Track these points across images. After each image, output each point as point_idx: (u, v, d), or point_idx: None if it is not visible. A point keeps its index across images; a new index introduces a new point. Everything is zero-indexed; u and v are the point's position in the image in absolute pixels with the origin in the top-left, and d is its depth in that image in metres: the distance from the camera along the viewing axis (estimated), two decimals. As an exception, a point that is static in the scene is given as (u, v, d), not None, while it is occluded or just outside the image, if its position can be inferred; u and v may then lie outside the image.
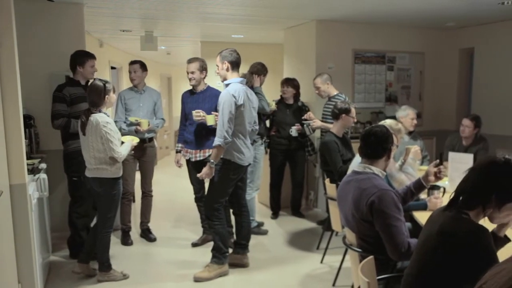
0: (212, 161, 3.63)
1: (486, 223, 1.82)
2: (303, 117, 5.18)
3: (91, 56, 4.15)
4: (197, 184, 4.51)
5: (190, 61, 4.31)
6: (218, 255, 3.87)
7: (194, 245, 4.64)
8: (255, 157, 4.92)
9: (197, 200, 4.62)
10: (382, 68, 6.32)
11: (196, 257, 4.31)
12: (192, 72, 4.28)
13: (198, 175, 3.75)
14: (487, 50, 6.19)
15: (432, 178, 2.89)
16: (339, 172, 4.15)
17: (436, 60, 6.70)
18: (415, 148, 3.80)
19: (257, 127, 4.04)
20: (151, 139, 4.74)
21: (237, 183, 3.89)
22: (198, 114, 4.14)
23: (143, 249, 4.61)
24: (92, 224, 3.98)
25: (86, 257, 3.79)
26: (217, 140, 3.56)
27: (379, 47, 6.26)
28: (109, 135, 3.45)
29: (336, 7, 5.02)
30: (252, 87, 4.65)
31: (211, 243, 3.96)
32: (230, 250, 4.07)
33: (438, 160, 3.85)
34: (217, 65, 3.77)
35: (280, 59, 6.99)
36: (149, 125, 4.47)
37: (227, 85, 3.73)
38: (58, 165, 4.28)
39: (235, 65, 3.74)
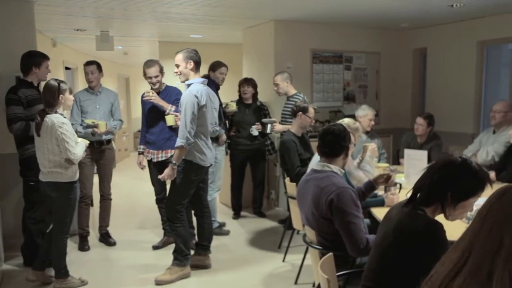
0: (174, 162, 3.58)
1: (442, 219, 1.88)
2: (263, 119, 5.21)
3: (46, 57, 4.01)
4: (158, 185, 4.44)
5: (149, 65, 4.24)
6: (179, 257, 3.83)
7: (155, 248, 4.58)
8: (216, 158, 4.90)
9: (158, 201, 4.56)
10: (339, 67, 6.44)
11: (157, 260, 4.25)
12: (156, 76, 4.23)
13: (160, 176, 3.70)
14: (438, 50, 6.42)
15: (382, 181, 3.05)
16: (296, 173, 4.17)
17: (391, 60, 6.88)
18: (372, 146, 3.88)
19: (217, 128, 4.03)
20: (109, 141, 4.63)
21: (198, 184, 3.86)
22: (148, 94, 4.11)
23: (102, 254, 4.50)
24: (48, 230, 3.85)
25: (41, 264, 3.66)
26: (180, 141, 3.51)
27: (337, 47, 6.37)
28: (65, 135, 3.34)
29: (294, 7, 5.06)
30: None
31: (173, 245, 3.91)
32: (192, 252, 4.04)
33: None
34: (176, 65, 3.70)
35: (239, 59, 6.99)
36: (106, 126, 4.37)
37: (188, 85, 3.68)
38: (9, 169, 4.11)
39: (198, 65, 3.71)
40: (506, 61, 5.80)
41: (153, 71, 4.21)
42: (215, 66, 4.96)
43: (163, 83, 4.36)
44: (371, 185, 3.04)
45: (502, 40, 5.65)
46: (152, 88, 4.29)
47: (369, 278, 1.92)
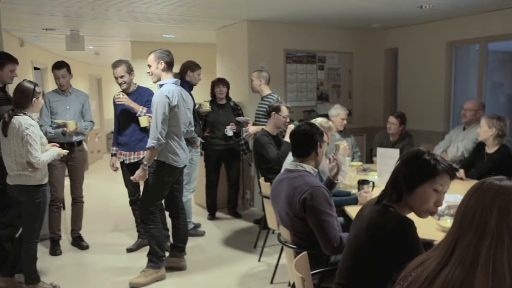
0: (145, 163, 3.54)
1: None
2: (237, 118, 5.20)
3: (12, 60, 3.86)
4: (131, 187, 4.38)
5: (115, 65, 4.17)
6: (154, 259, 3.78)
7: (129, 250, 4.51)
8: (192, 159, 4.87)
9: (132, 203, 4.50)
10: (313, 67, 6.48)
11: (131, 263, 4.19)
12: (122, 76, 4.16)
13: (132, 177, 3.66)
14: (409, 50, 6.54)
15: (333, 171, 3.11)
16: (277, 159, 4.16)
17: (364, 59, 6.97)
18: (344, 145, 3.92)
19: (192, 128, 4.01)
20: (80, 143, 4.54)
21: (173, 185, 3.83)
22: (118, 96, 4.06)
23: (75, 258, 4.41)
24: (17, 235, 3.74)
25: (11, 270, 3.56)
26: (150, 142, 3.48)
27: (310, 47, 6.41)
28: (30, 137, 3.24)
29: (267, 7, 5.08)
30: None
31: (147, 248, 3.87)
32: (167, 254, 4.00)
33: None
34: (148, 65, 3.66)
35: (213, 59, 6.97)
36: (76, 126, 4.28)
37: (161, 86, 3.64)
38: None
39: (170, 65, 3.67)
40: (474, 61, 5.95)
41: (119, 71, 4.15)
42: (194, 67, 4.91)
43: (135, 84, 4.30)
44: (330, 181, 3.10)
45: (469, 40, 5.79)
46: (122, 90, 4.23)
47: (343, 276, 1.93)
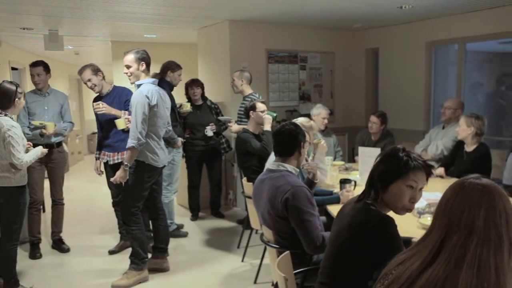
0: (126, 163, 3.52)
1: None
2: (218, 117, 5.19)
3: None
4: (115, 188, 4.33)
5: (80, 72, 4.15)
6: (136, 261, 3.75)
7: (112, 252, 4.47)
8: (173, 159, 4.85)
9: (114, 204, 4.45)
10: (295, 67, 6.51)
11: (114, 265, 4.15)
12: (89, 80, 4.13)
13: (112, 179, 3.62)
14: (389, 50, 6.61)
15: (310, 173, 3.17)
16: (262, 147, 4.16)
17: (345, 59, 7.02)
18: (320, 142, 3.94)
19: (170, 128, 3.99)
20: (59, 144, 4.47)
21: (152, 186, 3.80)
22: (97, 106, 4.02)
23: (56, 261, 4.35)
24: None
25: (-10, 274, 3.50)
26: (131, 142, 3.46)
27: (292, 47, 6.43)
28: (12, 139, 3.22)
29: (249, 7, 5.07)
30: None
31: (130, 250, 3.83)
32: (150, 255, 3.97)
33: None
34: (127, 66, 3.60)
35: (195, 59, 6.94)
36: (55, 127, 4.22)
37: (139, 86, 3.62)
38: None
39: (149, 66, 3.68)
40: (453, 61, 6.04)
41: (84, 75, 4.12)
42: (174, 67, 4.88)
43: (111, 84, 4.26)
44: (309, 182, 3.13)
45: (448, 41, 5.88)
46: (97, 94, 4.18)
47: (325, 274, 1.94)
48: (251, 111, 4.35)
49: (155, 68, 4.98)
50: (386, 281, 1.37)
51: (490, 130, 6.24)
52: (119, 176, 3.55)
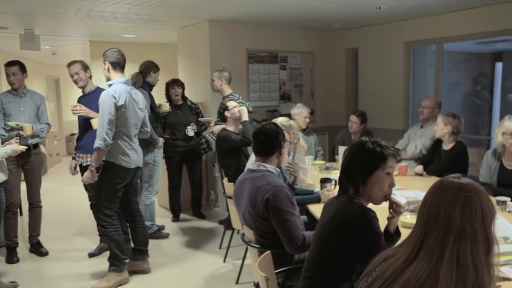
0: (93, 164, 3.51)
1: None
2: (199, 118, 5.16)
3: None
4: (92, 190, 4.27)
5: (70, 64, 4.12)
6: (115, 263, 3.71)
7: (91, 255, 4.41)
8: (154, 160, 4.80)
9: (93, 207, 4.37)
10: (275, 67, 6.52)
11: (93, 268, 4.09)
12: (77, 73, 4.08)
13: (81, 179, 3.61)
14: (369, 50, 6.67)
15: (291, 177, 3.23)
16: (243, 138, 4.18)
17: (325, 59, 7.06)
18: (299, 141, 3.95)
19: (147, 129, 3.91)
20: (36, 145, 4.39)
21: (126, 188, 3.75)
22: (74, 108, 3.97)
23: (34, 265, 4.26)
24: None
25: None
26: (97, 143, 3.42)
27: (272, 47, 6.44)
28: None
29: (228, 7, 5.06)
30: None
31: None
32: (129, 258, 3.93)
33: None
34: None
35: (175, 59, 6.89)
36: (32, 129, 4.15)
37: (110, 86, 3.59)
38: None
39: (116, 65, 3.61)
40: (431, 60, 6.13)
41: (73, 68, 4.08)
42: (156, 68, 4.86)
43: (94, 85, 4.20)
44: (290, 186, 3.15)
45: (426, 41, 5.97)
46: (82, 90, 4.12)
47: (309, 269, 1.95)
48: (226, 112, 4.35)
49: (135, 68, 4.95)
50: (369, 277, 1.40)
51: (467, 129, 6.36)
52: (86, 177, 3.57)
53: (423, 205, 1.37)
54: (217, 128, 4.95)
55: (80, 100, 4.16)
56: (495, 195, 3.00)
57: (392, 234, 2.10)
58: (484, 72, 7.60)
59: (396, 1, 4.85)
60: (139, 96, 3.75)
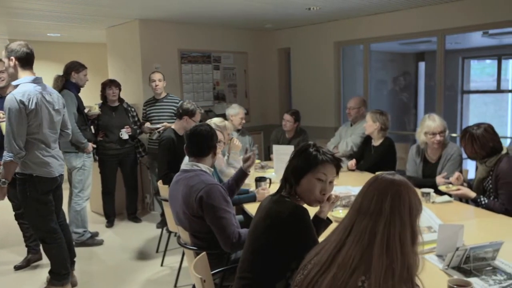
0: (3, 180, 3.08)
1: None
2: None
3: None
4: (16, 199, 4.00)
5: None
6: (57, 277, 3.42)
7: (18, 268, 4.13)
8: (84, 165, 4.60)
9: (18, 217, 4.10)
10: (208, 67, 6.49)
11: (22, 282, 3.85)
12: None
13: None
14: (300, 50, 6.81)
15: (247, 164, 3.13)
16: (162, 177, 3.94)
17: (258, 59, 7.13)
18: (233, 141, 3.95)
19: (68, 131, 3.59)
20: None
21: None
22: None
23: (-49, 282, 3.96)
24: None
25: None
26: (7, 155, 3.01)
27: (205, 47, 6.41)
28: None
29: (157, 6, 4.95)
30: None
31: (38, 263, 3.57)
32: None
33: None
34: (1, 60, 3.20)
35: (104, 60, 6.66)
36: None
37: (16, 87, 3.15)
38: None
39: (25, 62, 3.14)
40: (359, 60, 6.37)
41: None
42: (78, 67, 4.63)
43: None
44: (242, 172, 3.13)
45: (354, 41, 6.20)
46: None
47: (244, 268, 1.95)
48: (187, 117, 4.13)
49: (60, 69, 4.73)
50: (305, 271, 1.47)
51: (395, 125, 6.68)
52: None
53: (358, 196, 1.48)
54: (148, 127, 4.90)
55: None
56: (419, 187, 3.16)
57: (323, 219, 2.20)
58: (409, 71, 8.04)
59: (324, 2, 4.98)
60: (53, 95, 3.34)
